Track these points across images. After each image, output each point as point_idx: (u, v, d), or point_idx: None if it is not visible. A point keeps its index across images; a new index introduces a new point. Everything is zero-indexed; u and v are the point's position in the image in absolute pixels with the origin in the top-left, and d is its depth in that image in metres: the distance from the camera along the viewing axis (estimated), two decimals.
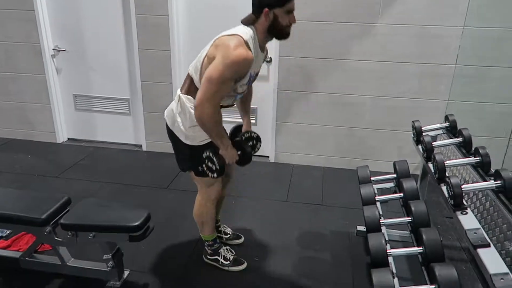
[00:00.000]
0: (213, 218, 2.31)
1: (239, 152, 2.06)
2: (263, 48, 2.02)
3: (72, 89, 4.05)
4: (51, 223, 2.06)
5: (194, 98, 1.95)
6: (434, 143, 2.08)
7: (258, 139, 2.41)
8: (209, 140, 2.02)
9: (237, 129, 2.37)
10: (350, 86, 3.46)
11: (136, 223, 1.97)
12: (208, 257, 2.39)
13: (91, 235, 2.01)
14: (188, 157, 2.11)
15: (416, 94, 3.38)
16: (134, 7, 3.52)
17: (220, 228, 2.58)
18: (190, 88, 2.01)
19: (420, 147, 2.20)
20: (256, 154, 3.69)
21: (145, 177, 3.50)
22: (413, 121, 2.36)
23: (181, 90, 2.05)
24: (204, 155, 2.01)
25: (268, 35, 1.96)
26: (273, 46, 3.43)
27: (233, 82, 1.88)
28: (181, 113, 2.02)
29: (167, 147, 3.90)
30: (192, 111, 1.96)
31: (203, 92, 1.81)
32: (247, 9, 1.96)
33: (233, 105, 2.19)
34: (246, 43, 1.84)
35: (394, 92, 3.41)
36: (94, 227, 2.00)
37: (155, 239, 2.45)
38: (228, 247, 2.43)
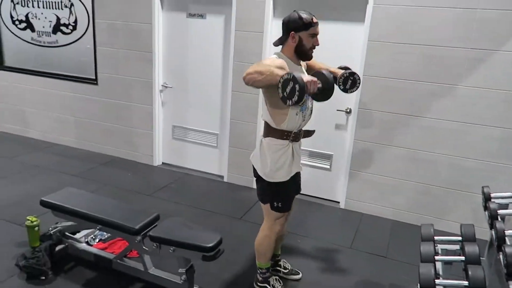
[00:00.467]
0: (272, 249, 2.54)
1: (319, 82, 2.06)
2: (297, 63, 2.32)
3: (172, 120, 4.65)
4: (141, 234, 2.46)
5: (275, 137, 2.29)
6: (500, 211, 2.10)
7: (351, 74, 2.53)
8: (287, 179, 2.32)
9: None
10: (426, 143, 3.51)
11: (210, 245, 2.27)
12: (259, 284, 2.60)
13: (171, 249, 2.36)
14: (267, 192, 2.40)
15: (497, 158, 3.31)
16: (233, 55, 4.02)
17: (280, 262, 2.79)
18: (269, 130, 2.34)
19: (486, 213, 2.22)
20: (327, 198, 3.89)
21: (222, 205, 3.85)
22: (483, 187, 2.38)
23: (263, 136, 2.37)
24: (280, 82, 1.97)
25: (295, 55, 2.28)
26: (353, 98, 3.65)
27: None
28: (262, 155, 2.35)
29: (245, 180, 4.31)
30: (269, 152, 2.29)
31: (248, 69, 2.10)
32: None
33: (300, 131, 2.40)
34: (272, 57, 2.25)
35: (472, 154, 3.38)
36: (175, 243, 2.34)
37: (224, 262, 2.74)
38: (277, 277, 2.65)
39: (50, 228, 2.80)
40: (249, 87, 2.17)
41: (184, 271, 2.41)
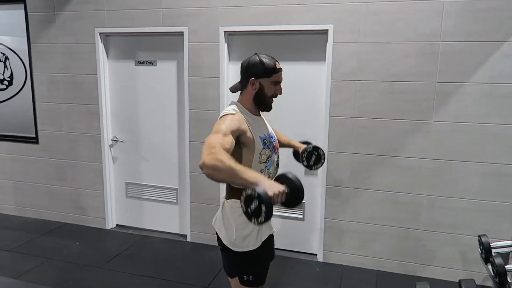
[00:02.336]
0: None
1: (286, 189, 1.65)
2: (256, 114, 2.02)
3: (125, 177, 4.19)
4: None
5: (238, 199, 1.91)
6: (508, 266, 1.82)
7: (315, 148, 2.33)
8: (257, 246, 1.93)
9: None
10: (404, 183, 3.27)
11: None
12: None
13: None
14: (235, 264, 2.01)
15: (478, 195, 3.11)
16: (188, 102, 3.70)
17: None
18: (231, 190, 1.99)
19: (490, 267, 1.93)
20: (302, 251, 3.53)
21: (187, 272, 3.38)
22: (479, 236, 2.12)
23: (225, 198, 2.01)
24: (243, 196, 1.57)
25: (253, 104, 1.98)
26: (320, 141, 3.40)
27: (235, 138, 1.79)
28: (225, 220, 1.98)
29: (210, 239, 3.87)
30: (234, 217, 1.91)
31: (203, 151, 1.65)
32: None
33: None
34: (229, 113, 1.88)
35: (453, 192, 3.16)
36: None
37: None
38: None
39: None
40: (208, 135, 1.79)
41: None
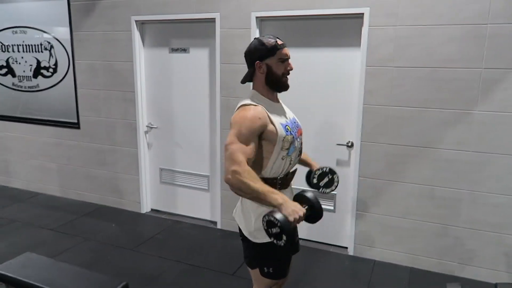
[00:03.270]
0: None
1: (305, 207, 1.73)
2: (274, 99, 1.94)
3: (159, 163, 4.27)
4: None
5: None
6: None
7: (332, 172, 2.21)
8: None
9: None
10: (443, 177, 3.06)
11: None
12: None
13: None
14: (255, 255, 1.98)
15: None
16: (220, 89, 3.68)
17: None
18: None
19: None
20: (332, 244, 3.43)
21: (214, 258, 3.39)
22: None
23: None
24: (264, 220, 1.65)
25: (268, 88, 1.89)
26: (354, 130, 3.26)
27: (257, 139, 1.77)
28: (245, 211, 1.95)
29: None
30: (253, 207, 1.87)
31: (226, 160, 1.72)
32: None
33: (291, 174, 2.01)
34: (248, 104, 1.83)
35: (496, 188, 2.92)
36: None
37: None
38: None
39: None
40: None
41: None
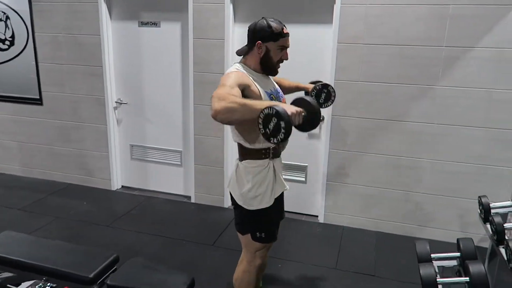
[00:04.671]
0: (254, 285, 2.22)
1: (303, 112, 1.71)
2: (263, 74, 2.02)
3: (129, 139, 4.22)
4: (97, 282, 2.06)
5: (253, 159, 1.98)
6: (506, 225, 1.88)
7: (325, 86, 2.33)
8: (270, 204, 2.00)
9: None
10: (408, 148, 3.31)
11: None
12: None
13: None
14: (248, 221, 2.09)
15: (480, 160, 3.16)
16: (193, 65, 3.67)
17: None
18: (244, 152, 2.03)
19: (488, 226, 2.00)
20: (304, 213, 3.61)
21: (192, 231, 3.48)
22: (479, 196, 2.17)
23: (238, 160, 2.06)
24: (261, 117, 1.62)
25: (261, 66, 1.98)
26: None
27: (240, 91, 1.80)
28: (239, 180, 2.04)
29: (214, 200, 3.97)
30: (248, 177, 1.97)
31: (212, 103, 1.68)
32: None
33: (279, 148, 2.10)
34: (232, 71, 1.90)
35: (455, 157, 3.21)
36: None
37: None
38: None
39: None
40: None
41: None
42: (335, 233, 3.50)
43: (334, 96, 2.40)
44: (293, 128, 1.65)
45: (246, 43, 2.02)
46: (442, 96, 3.13)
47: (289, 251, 3.17)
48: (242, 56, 2.04)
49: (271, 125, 1.59)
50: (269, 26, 1.91)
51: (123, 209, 3.85)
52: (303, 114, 1.69)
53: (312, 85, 2.38)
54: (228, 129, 3.73)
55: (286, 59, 2.02)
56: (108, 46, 3.95)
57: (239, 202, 2.04)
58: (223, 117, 1.65)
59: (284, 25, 1.97)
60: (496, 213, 1.95)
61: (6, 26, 4.24)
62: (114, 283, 2.00)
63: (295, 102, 1.80)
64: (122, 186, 4.38)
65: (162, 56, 3.88)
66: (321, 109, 2.25)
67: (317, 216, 3.76)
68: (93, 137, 4.23)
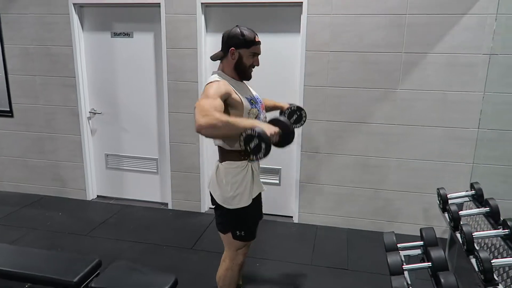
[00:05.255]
0: (236, 281, 2.33)
1: (279, 131, 1.92)
2: (239, 80, 2.17)
3: (104, 149, 4.25)
4: (82, 286, 2.12)
5: (233, 160, 2.11)
6: (461, 212, 2.08)
7: (299, 109, 2.51)
8: (249, 203, 2.13)
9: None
10: (374, 148, 3.52)
11: None
12: None
13: None
14: (228, 220, 2.20)
15: (440, 157, 3.40)
16: (167, 74, 3.77)
17: None
18: (224, 153, 2.16)
19: (446, 215, 2.20)
20: (279, 214, 3.74)
21: (170, 236, 3.54)
22: (438, 189, 2.38)
23: (219, 161, 2.18)
24: (242, 136, 1.80)
25: (235, 72, 2.13)
26: None
27: (223, 101, 1.94)
28: (219, 181, 2.15)
29: (191, 205, 4.04)
30: (228, 178, 2.10)
31: (195, 115, 1.83)
32: None
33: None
34: (212, 81, 2.03)
35: (417, 155, 3.44)
36: None
37: None
38: None
39: None
40: (187, 106, 1.93)
41: None
42: (309, 232, 3.66)
43: (304, 121, 2.59)
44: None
45: (220, 49, 2.16)
46: (402, 99, 3.37)
47: (266, 251, 3.29)
48: (219, 64, 2.17)
49: (252, 145, 1.79)
50: (242, 34, 2.06)
51: (100, 218, 3.87)
52: (279, 134, 1.90)
53: (288, 105, 2.54)
54: (203, 136, 3.84)
55: (258, 65, 2.17)
56: (80, 57, 3.98)
57: (219, 202, 2.15)
58: (207, 132, 1.81)
59: (256, 34, 2.12)
60: (453, 203, 2.15)
61: None
62: (98, 285, 2.07)
63: (272, 122, 2.00)
64: (98, 196, 4.39)
65: (135, 65, 3.95)
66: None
67: (291, 217, 3.91)
68: (67, 147, 4.23)
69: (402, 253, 2.35)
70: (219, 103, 1.90)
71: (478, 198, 2.25)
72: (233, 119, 1.86)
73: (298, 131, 3.63)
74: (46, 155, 4.31)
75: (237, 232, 2.17)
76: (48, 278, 2.13)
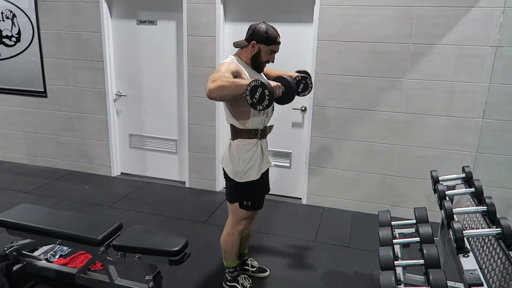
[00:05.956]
0: (237, 248, 2.57)
1: (282, 88, 2.14)
2: (252, 67, 2.34)
3: (128, 129, 4.57)
4: (105, 244, 2.41)
5: (244, 138, 2.34)
6: (448, 192, 2.25)
7: (304, 77, 2.63)
8: (258, 177, 2.36)
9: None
10: (381, 135, 3.68)
11: (176, 249, 2.26)
12: (228, 283, 2.63)
13: (137, 256, 2.32)
14: (238, 192, 2.44)
15: (444, 145, 3.53)
16: (187, 60, 4.02)
17: (247, 261, 2.83)
18: (236, 132, 2.38)
19: (436, 195, 2.36)
20: (288, 196, 3.97)
21: (186, 211, 3.83)
22: (431, 171, 2.54)
23: (231, 139, 2.42)
24: (248, 90, 2.01)
25: (250, 62, 2.34)
26: (307, 96, 3.75)
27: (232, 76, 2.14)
28: (231, 156, 2.39)
29: (207, 184, 4.31)
30: (240, 154, 2.34)
31: (207, 84, 2.05)
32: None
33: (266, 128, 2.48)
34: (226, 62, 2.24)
35: (422, 143, 3.58)
36: (140, 250, 2.31)
37: (191, 266, 2.74)
38: (246, 276, 2.69)
39: (6, 248, 2.67)
40: (204, 91, 2.17)
41: (151, 277, 2.38)
42: (316, 213, 3.87)
43: (311, 88, 2.73)
44: (274, 103, 2.09)
45: (242, 38, 2.36)
46: (409, 88, 3.50)
47: (273, 227, 3.53)
48: (236, 50, 2.39)
49: (257, 95, 2.01)
50: (266, 32, 2.26)
51: (123, 192, 4.19)
52: (282, 89, 2.12)
53: (296, 74, 2.70)
54: (220, 120, 4.09)
55: (272, 62, 2.39)
56: (108, 42, 4.28)
57: (231, 176, 2.39)
58: (216, 94, 2.03)
59: (279, 35, 2.32)
60: (441, 184, 2.31)
61: (13, 23, 4.56)
62: (119, 243, 2.35)
63: (276, 79, 2.22)
64: (122, 173, 4.72)
65: (158, 51, 4.22)
66: (299, 96, 2.64)
67: (300, 199, 4.13)
68: (94, 127, 4.56)
69: (397, 230, 2.54)
70: (229, 75, 2.13)
71: (468, 181, 2.40)
72: (239, 80, 2.10)
73: (309, 116, 3.82)
74: (75, 133, 4.66)
75: (245, 202, 2.41)
76: (76, 235, 2.42)
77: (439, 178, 2.47)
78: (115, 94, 4.46)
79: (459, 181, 2.52)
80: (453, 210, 1.97)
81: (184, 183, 4.46)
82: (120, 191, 4.23)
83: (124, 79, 4.42)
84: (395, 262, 2.04)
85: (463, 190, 2.28)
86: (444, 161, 3.56)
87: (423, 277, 2.08)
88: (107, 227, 2.47)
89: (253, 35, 2.28)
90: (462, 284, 2.52)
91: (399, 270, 2.12)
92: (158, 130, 4.46)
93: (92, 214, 3.64)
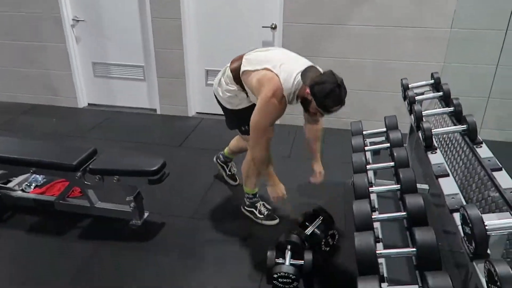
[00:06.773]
0: (258, 175, 2.51)
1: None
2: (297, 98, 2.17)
3: (91, 57, 4.34)
4: (81, 169, 2.39)
5: (232, 76, 2.23)
6: (417, 97, 2.31)
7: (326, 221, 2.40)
8: (248, 105, 2.29)
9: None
10: (353, 50, 3.66)
11: (154, 168, 2.29)
12: (246, 208, 2.67)
13: (115, 178, 2.33)
14: (233, 118, 2.42)
15: (413, 57, 3.57)
16: None
17: (229, 164, 2.98)
18: (237, 69, 2.22)
19: (406, 102, 2.43)
20: None
21: (159, 136, 3.81)
22: (402, 79, 2.58)
23: (230, 64, 2.28)
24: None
25: (299, 96, 2.14)
26: (277, 13, 3.63)
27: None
28: (221, 85, 2.31)
29: (179, 110, 4.25)
30: (227, 87, 2.27)
31: (253, 138, 2.14)
32: None
33: None
34: (283, 91, 2.03)
35: (391, 56, 3.60)
36: (118, 172, 2.32)
37: (170, 188, 2.79)
38: (264, 203, 2.66)
39: None
40: (169, 11, 1.97)
41: (132, 198, 2.42)
42: (289, 132, 3.93)
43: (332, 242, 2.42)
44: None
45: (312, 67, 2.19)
46: (379, 1, 3.43)
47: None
48: (308, 65, 2.21)
49: None
50: (326, 97, 1.99)
51: (92, 123, 4.10)
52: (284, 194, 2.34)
53: (317, 169, 2.66)
54: (187, 43, 3.93)
55: (317, 119, 2.42)
56: None
57: (223, 103, 2.35)
58: (254, 163, 2.29)
59: (340, 106, 2.07)
60: (411, 90, 2.37)
61: None
62: (96, 167, 2.35)
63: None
64: (89, 104, 4.57)
65: None
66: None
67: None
68: (54, 57, 4.30)
69: (368, 140, 2.64)
70: (271, 130, 2.17)
71: (436, 86, 2.46)
72: (268, 175, 2.28)
73: (279, 34, 3.72)
74: (35, 65, 4.40)
75: (242, 127, 2.37)
76: (51, 162, 2.39)
77: (409, 85, 2.52)
78: (72, 20, 4.16)
79: (427, 88, 2.59)
80: (422, 112, 2.03)
81: (155, 110, 4.38)
82: (89, 122, 4.13)
83: (80, 2, 4.10)
84: (367, 166, 2.14)
85: (432, 94, 2.35)
86: (412, 73, 3.58)
87: (392, 181, 2.20)
88: (81, 153, 2.45)
89: (314, 86, 1.99)
90: (427, 185, 2.71)
91: (370, 174, 2.24)
92: (122, 57, 4.26)
93: (64, 143, 3.57)
